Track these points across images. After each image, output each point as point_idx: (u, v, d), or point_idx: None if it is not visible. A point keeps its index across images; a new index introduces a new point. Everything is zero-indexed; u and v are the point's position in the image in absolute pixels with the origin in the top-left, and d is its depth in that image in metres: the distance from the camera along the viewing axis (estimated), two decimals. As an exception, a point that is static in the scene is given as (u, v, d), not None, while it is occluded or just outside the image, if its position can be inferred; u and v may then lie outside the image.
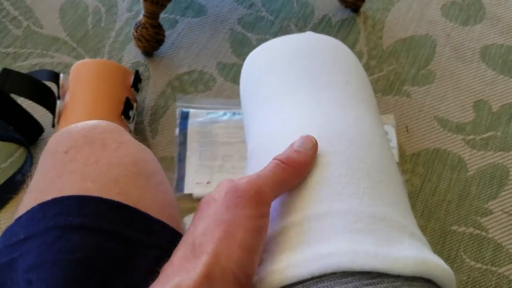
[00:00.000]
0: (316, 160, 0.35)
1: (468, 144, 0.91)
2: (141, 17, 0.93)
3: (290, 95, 0.40)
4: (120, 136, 0.40)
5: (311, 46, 0.43)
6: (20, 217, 0.35)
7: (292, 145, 0.34)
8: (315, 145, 0.34)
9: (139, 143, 0.42)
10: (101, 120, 0.41)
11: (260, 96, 0.42)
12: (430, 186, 0.87)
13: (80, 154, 0.37)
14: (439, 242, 0.82)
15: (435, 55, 1.02)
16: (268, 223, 0.31)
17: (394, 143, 0.90)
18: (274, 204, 0.35)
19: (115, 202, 0.34)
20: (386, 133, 0.91)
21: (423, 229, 0.83)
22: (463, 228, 0.83)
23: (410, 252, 0.30)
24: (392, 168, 0.37)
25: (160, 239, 0.36)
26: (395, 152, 0.89)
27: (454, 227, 0.83)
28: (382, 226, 0.32)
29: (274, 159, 0.33)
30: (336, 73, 0.41)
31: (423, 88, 0.98)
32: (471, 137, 0.92)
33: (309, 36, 0.44)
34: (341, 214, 0.32)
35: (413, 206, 0.85)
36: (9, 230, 0.35)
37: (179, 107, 0.94)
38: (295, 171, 0.33)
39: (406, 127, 0.93)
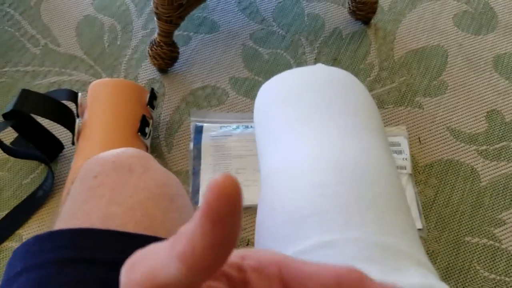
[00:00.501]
0: (325, 190, 0.36)
1: (481, 155, 0.91)
2: (155, 35, 0.96)
3: (300, 126, 0.41)
4: (147, 162, 0.42)
5: (321, 78, 0.44)
6: (16, 250, 0.36)
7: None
8: None
9: (164, 168, 0.44)
10: (129, 148, 0.43)
11: (271, 125, 0.44)
12: (443, 197, 0.88)
13: (108, 179, 0.39)
14: (453, 253, 0.82)
15: (447, 65, 1.02)
16: None
17: (406, 154, 0.91)
18: (279, 232, 0.36)
19: (112, 232, 0.36)
20: (399, 144, 0.92)
21: (437, 240, 0.84)
22: (476, 239, 0.83)
23: (417, 280, 0.31)
24: (400, 197, 0.38)
25: None
26: (408, 163, 0.90)
27: (468, 238, 0.83)
28: (389, 254, 0.33)
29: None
30: (345, 104, 0.42)
31: (435, 99, 0.98)
32: (484, 147, 0.92)
33: (319, 69, 0.46)
34: (348, 243, 0.33)
35: (426, 217, 0.86)
36: (9, 263, 0.36)
37: (193, 122, 0.96)
38: None
39: (419, 138, 0.94)
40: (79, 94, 0.87)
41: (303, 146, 0.40)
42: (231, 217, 0.14)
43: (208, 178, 0.89)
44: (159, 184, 0.40)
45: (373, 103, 0.45)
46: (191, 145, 0.93)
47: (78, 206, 0.39)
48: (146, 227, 0.37)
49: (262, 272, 0.18)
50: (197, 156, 0.92)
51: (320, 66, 0.46)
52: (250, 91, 1.00)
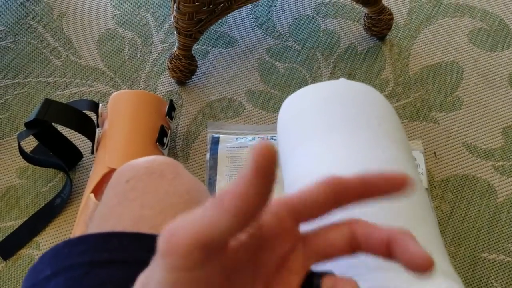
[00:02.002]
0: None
1: (497, 171, 0.91)
2: (175, 49, 0.98)
3: (324, 136, 0.42)
4: (177, 168, 0.43)
5: (344, 91, 0.45)
6: (43, 255, 0.37)
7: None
8: None
9: (193, 175, 0.45)
10: (160, 155, 0.44)
11: (296, 135, 0.45)
12: (459, 213, 0.87)
13: (140, 183, 0.41)
14: (470, 270, 0.81)
15: (462, 81, 1.03)
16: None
17: (422, 169, 0.91)
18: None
19: (140, 234, 0.36)
20: (415, 159, 0.92)
21: (453, 256, 0.83)
22: (493, 255, 0.83)
23: None
24: (425, 208, 0.38)
25: None
26: (424, 178, 0.90)
27: (485, 254, 0.83)
28: None
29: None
30: (368, 116, 0.43)
31: (451, 114, 0.99)
32: (500, 163, 0.92)
33: (342, 82, 0.47)
34: None
35: (442, 232, 0.85)
36: (35, 268, 0.37)
37: (209, 133, 0.97)
38: None
39: (435, 153, 0.94)
40: (100, 105, 0.89)
41: (327, 155, 0.41)
42: (272, 169, 0.19)
43: (223, 188, 0.90)
44: (188, 190, 0.41)
45: (395, 115, 0.46)
46: (208, 155, 0.94)
47: (110, 209, 0.40)
48: None
49: (269, 211, 0.22)
50: (213, 167, 0.93)
51: (342, 80, 0.47)
52: (266, 103, 1.01)
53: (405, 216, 0.36)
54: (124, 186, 0.41)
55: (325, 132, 0.42)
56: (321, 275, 0.24)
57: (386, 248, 0.23)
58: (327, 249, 0.24)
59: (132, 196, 0.40)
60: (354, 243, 0.24)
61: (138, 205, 0.39)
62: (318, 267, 0.25)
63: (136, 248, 0.36)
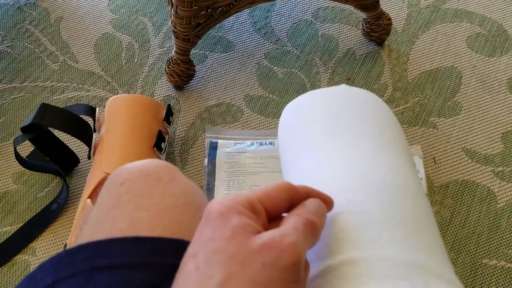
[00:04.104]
0: (352, 207, 0.36)
1: (497, 176, 0.91)
2: (172, 53, 0.98)
3: (326, 145, 0.42)
4: (172, 171, 0.42)
5: (345, 98, 0.45)
6: (44, 264, 0.36)
7: (305, 206, 0.33)
8: (325, 212, 0.34)
9: (189, 179, 0.44)
10: (155, 159, 0.43)
11: (297, 144, 0.44)
12: (459, 218, 0.87)
13: (135, 185, 0.40)
14: (470, 276, 0.81)
15: (461, 86, 1.03)
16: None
17: (422, 174, 0.90)
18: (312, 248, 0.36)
19: (136, 238, 0.36)
20: (414, 164, 0.92)
21: (453, 262, 0.82)
22: (494, 262, 0.82)
23: None
24: (428, 216, 0.38)
25: None
26: (424, 183, 0.89)
27: (485, 260, 0.82)
28: (419, 273, 0.32)
29: (300, 217, 0.31)
30: (370, 124, 0.43)
31: (450, 119, 0.98)
32: (500, 168, 0.92)
33: (343, 89, 0.46)
34: (378, 261, 0.33)
35: (442, 238, 0.85)
36: (34, 276, 0.36)
37: (208, 138, 0.96)
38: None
39: (434, 158, 0.93)
40: (97, 109, 0.89)
41: (329, 164, 0.40)
42: None
43: (222, 194, 0.89)
44: (185, 193, 0.41)
45: (397, 122, 0.45)
46: (206, 161, 0.93)
47: (105, 212, 0.39)
48: (174, 232, 0.37)
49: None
50: (211, 172, 0.92)
51: (343, 86, 0.47)
52: (264, 108, 1.01)
53: (408, 224, 0.36)
54: (118, 188, 0.40)
55: (326, 141, 0.42)
56: None
57: None
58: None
59: (126, 199, 0.39)
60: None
61: (133, 207, 0.38)
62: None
63: (136, 252, 0.36)
